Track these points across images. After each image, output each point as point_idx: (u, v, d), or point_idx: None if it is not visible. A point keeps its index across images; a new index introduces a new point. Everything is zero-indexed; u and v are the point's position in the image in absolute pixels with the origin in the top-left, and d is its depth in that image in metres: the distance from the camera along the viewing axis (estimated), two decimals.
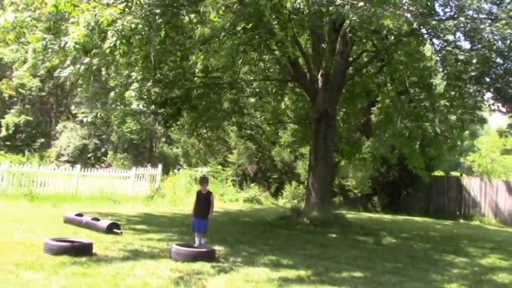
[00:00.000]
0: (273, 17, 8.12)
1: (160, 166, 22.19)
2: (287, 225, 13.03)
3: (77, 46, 7.35)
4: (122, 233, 9.84)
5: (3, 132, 34.11)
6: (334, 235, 12.17)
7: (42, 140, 35.27)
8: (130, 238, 9.54)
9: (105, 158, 32.25)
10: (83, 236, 9.38)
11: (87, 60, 10.00)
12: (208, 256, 7.83)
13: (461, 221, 20.86)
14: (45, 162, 30.49)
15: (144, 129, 30.96)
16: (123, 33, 7.36)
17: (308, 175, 14.12)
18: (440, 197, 22.64)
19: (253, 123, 14.88)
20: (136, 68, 9.76)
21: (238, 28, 8.00)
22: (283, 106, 16.43)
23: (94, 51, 10.01)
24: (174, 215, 14.72)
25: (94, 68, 10.02)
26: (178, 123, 13.82)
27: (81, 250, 7.51)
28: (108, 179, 20.19)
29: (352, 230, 12.94)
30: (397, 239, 12.57)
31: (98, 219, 10.36)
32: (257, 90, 13.76)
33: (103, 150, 33.08)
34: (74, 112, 33.26)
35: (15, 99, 35.96)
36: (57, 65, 11.69)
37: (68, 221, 10.80)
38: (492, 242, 13.20)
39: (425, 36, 13.42)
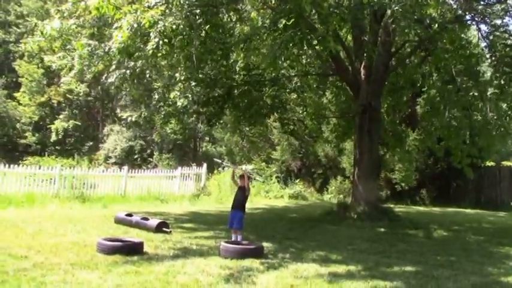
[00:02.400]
0: (313, 12, 8.02)
1: (205, 165, 22.42)
2: (334, 220, 12.92)
3: (121, 47, 7.48)
4: (170, 231, 9.99)
5: (53, 137, 35.31)
6: (382, 229, 11.97)
7: (91, 143, 36.36)
8: (179, 236, 9.68)
9: (151, 159, 32.92)
10: (133, 235, 9.60)
11: (131, 64, 10.22)
12: (257, 253, 7.86)
13: None
14: (94, 164, 31.43)
15: (186, 129, 31.42)
16: (165, 33, 7.45)
17: (353, 169, 13.95)
18: (492, 188, 21.93)
19: (295, 118, 14.79)
20: (179, 68, 9.89)
21: (279, 25, 7.96)
22: (325, 100, 16.29)
23: (137, 54, 10.22)
24: (221, 213, 14.82)
25: (138, 70, 10.20)
26: (221, 121, 13.88)
27: (133, 249, 7.67)
28: (155, 179, 20.58)
29: (400, 224, 12.70)
30: (449, 232, 12.24)
31: (147, 219, 10.55)
32: (298, 85, 13.68)
33: (149, 151, 33.78)
34: (119, 115, 34.04)
35: (64, 105, 37.15)
36: (103, 70, 12.03)
37: (118, 221, 11.05)
38: None
39: (471, 22, 13.02)
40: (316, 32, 8.06)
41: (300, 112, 14.72)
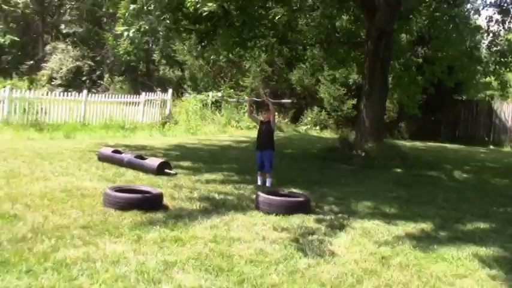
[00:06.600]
0: None
1: (170, 91, 20.47)
2: (341, 158, 11.58)
3: None
4: (176, 173, 8.29)
5: None
6: (399, 170, 10.84)
7: (31, 62, 32.68)
8: (188, 181, 8.00)
9: (101, 82, 30.08)
10: (130, 179, 7.89)
11: None
12: (305, 206, 6.39)
13: (491, 147, 19.82)
14: (36, 86, 28.32)
15: (140, 50, 28.69)
16: None
17: (360, 102, 12.55)
18: (469, 123, 21.43)
19: (305, 41, 12.94)
20: None
21: None
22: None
23: None
24: (207, 147, 13.20)
25: None
26: (214, 42, 11.81)
27: (152, 202, 5.98)
28: (117, 106, 18.45)
29: (414, 164, 11.61)
30: (466, 173, 11.30)
31: (142, 157, 8.77)
32: (308, 3, 11.77)
33: (98, 73, 30.81)
34: (64, 31, 30.60)
35: None
36: None
37: (104, 158, 9.16)
38: None
39: None
40: None
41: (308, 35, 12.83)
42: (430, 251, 5.13)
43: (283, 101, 8.20)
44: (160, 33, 9.50)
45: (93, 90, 26.65)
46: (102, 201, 5.97)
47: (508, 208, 7.75)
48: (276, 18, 11.13)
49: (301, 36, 12.83)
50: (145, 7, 8.92)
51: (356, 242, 5.28)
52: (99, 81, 30.31)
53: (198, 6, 7.62)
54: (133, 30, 8.79)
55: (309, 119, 21.04)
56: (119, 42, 15.02)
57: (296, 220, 5.93)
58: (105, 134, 15.34)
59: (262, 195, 6.32)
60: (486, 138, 20.92)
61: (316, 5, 12.30)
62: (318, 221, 6.02)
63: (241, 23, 11.45)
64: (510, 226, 6.51)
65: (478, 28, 12.98)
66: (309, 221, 5.98)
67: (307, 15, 12.43)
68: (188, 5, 7.75)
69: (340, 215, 6.41)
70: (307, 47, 13.00)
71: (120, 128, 16.69)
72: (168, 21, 8.94)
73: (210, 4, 7.60)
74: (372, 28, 11.64)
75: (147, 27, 8.72)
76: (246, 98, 8.59)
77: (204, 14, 8.55)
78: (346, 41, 13.49)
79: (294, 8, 11.72)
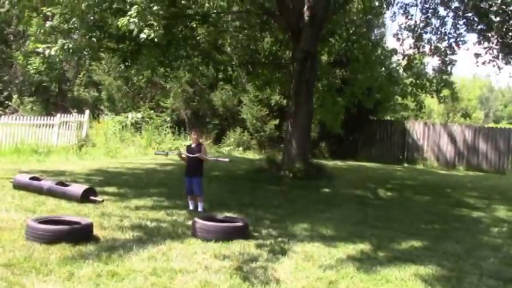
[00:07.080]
0: None
1: (87, 112, 19.59)
2: (270, 179, 11.57)
3: None
4: (103, 200, 7.79)
5: None
6: (327, 189, 10.99)
7: None
8: (116, 208, 7.54)
9: (10, 103, 28.18)
10: (52, 208, 7.31)
11: None
12: (243, 231, 6.20)
13: (406, 165, 20.74)
14: None
15: (54, 69, 27.31)
16: None
17: (287, 123, 12.64)
18: (384, 142, 22.31)
19: (234, 63, 12.81)
20: None
21: None
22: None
23: None
24: (131, 171, 12.64)
25: None
26: (138, 61, 11.37)
27: (82, 234, 5.52)
28: (30, 128, 17.31)
29: (339, 183, 11.85)
30: (389, 191, 11.66)
31: (64, 184, 8.18)
32: (236, 24, 11.70)
33: (6, 93, 28.88)
34: None
35: None
36: None
37: (20, 186, 8.45)
38: (475, 190, 12.76)
39: None
40: None
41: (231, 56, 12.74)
42: (373, 273, 5.13)
43: (220, 159, 8.17)
44: (85, 52, 8.95)
45: (0, 111, 24.92)
46: (25, 234, 5.43)
47: (435, 225, 8.05)
48: (200, 37, 10.94)
49: (226, 57, 12.76)
50: (66, 25, 8.42)
51: (301, 267, 5.17)
52: (7, 102, 28.37)
53: (132, 28, 7.21)
54: (56, 47, 8.22)
55: (232, 139, 20.93)
56: (30, 61, 14.27)
57: (236, 247, 5.73)
58: (16, 158, 14.31)
59: (200, 222, 6.06)
60: (400, 157, 21.87)
61: (243, 26, 12.30)
62: (259, 246, 5.86)
63: (166, 43, 11.17)
64: (440, 243, 6.71)
65: (394, 51, 13.62)
66: (249, 246, 5.81)
67: (232, 37, 12.40)
68: (120, 25, 7.34)
69: (279, 239, 6.29)
70: (233, 68, 12.90)
71: (33, 152, 15.67)
72: (93, 40, 8.45)
73: (146, 31, 7.25)
74: (297, 50, 11.81)
75: (71, 46, 8.19)
76: (176, 152, 8.42)
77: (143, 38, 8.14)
78: (271, 62, 13.60)
79: (220, 29, 11.62)
